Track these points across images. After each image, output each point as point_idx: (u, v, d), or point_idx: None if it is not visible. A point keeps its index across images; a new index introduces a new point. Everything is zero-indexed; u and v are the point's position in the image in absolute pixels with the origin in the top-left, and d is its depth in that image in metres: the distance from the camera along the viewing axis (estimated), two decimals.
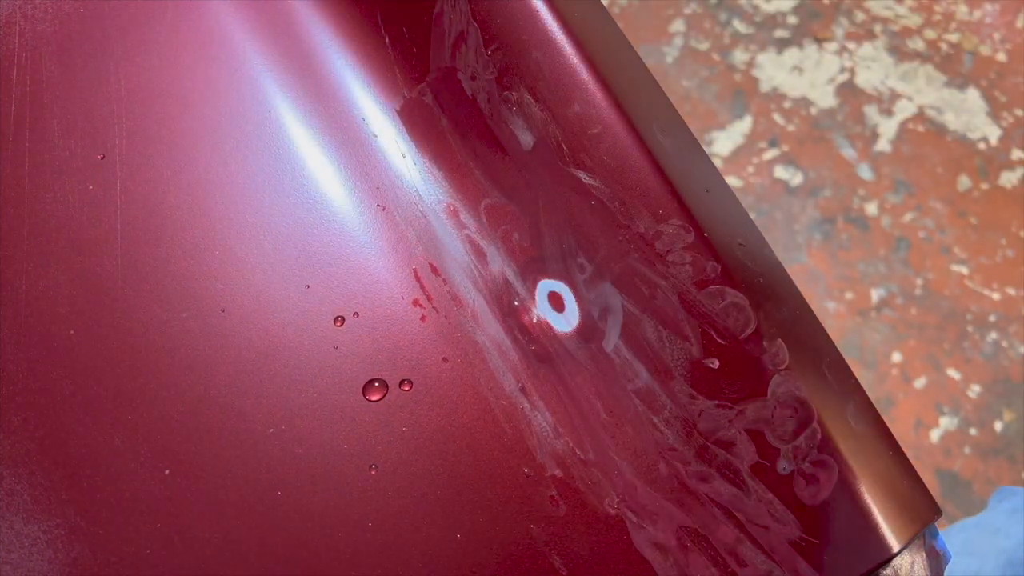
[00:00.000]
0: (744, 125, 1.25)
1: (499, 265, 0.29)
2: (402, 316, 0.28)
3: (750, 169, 1.22)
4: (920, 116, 1.26)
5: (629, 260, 0.29)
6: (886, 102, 1.27)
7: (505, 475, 0.27)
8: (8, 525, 0.27)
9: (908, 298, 1.14)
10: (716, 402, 0.27)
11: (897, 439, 0.29)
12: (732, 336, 0.28)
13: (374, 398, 0.28)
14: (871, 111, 1.27)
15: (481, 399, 0.28)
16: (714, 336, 0.28)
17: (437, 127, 0.30)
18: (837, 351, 0.30)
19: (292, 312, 0.28)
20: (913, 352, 1.10)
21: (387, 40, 0.30)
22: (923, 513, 0.27)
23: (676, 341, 0.28)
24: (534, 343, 0.28)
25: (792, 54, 1.31)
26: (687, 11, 1.35)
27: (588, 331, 0.29)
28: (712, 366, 0.28)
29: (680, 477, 0.27)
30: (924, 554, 0.26)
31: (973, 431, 1.05)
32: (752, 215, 1.18)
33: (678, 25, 1.34)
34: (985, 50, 1.32)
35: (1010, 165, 1.23)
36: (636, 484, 0.28)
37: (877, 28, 1.33)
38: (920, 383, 1.08)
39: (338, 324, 0.28)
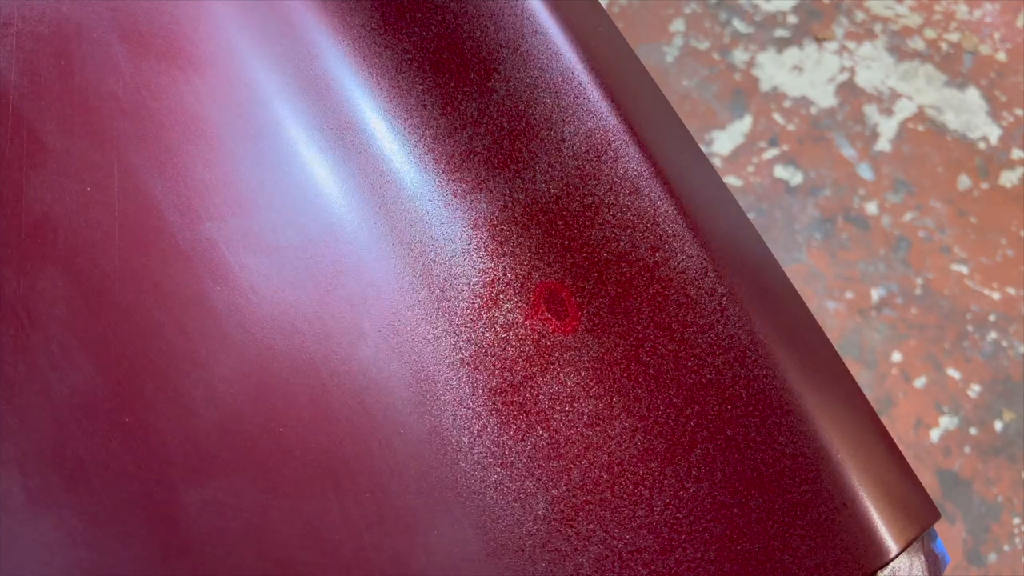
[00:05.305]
0: (744, 125, 1.25)
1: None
2: (403, 320, 0.28)
3: (750, 168, 1.22)
4: (920, 116, 1.26)
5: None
6: (886, 102, 1.27)
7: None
8: (6, 528, 0.27)
9: (908, 298, 1.14)
10: None
11: (897, 439, 0.29)
12: None
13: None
14: (871, 111, 1.27)
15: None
16: None
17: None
18: (835, 351, 0.30)
19: (290, 314, 0.28)
20: (913, 352, 1.10)
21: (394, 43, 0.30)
22: (922, 516, 0.27)
23: None
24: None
25: (792, 54, 1.31)
26: (687, 11, 1.35)
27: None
28: None
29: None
30: (922, 557, 0.26)
31: (973, 431, 1.05)
32: (752, 215, 1.17)
33: (678, 25, 1.34)
34: (985, 50, 1.31)
35: (1010, 165, 1.23)
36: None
37: (877, 28, 1.33)
38: (920, 383, 1.08)
39: (340, 328, 0.28)
